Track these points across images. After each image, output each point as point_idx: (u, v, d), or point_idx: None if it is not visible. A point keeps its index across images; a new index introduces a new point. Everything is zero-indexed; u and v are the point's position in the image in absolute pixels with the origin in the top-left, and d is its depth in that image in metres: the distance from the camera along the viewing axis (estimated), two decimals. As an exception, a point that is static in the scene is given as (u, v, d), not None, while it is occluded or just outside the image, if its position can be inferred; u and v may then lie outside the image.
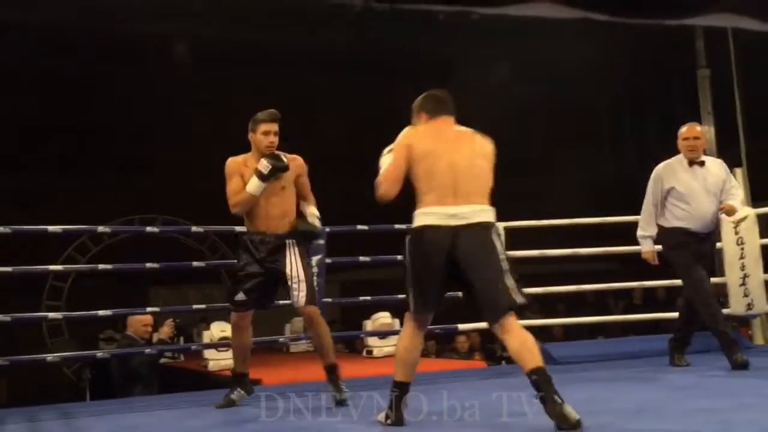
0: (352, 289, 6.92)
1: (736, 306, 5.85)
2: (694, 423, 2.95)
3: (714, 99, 7.11)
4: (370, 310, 7.01)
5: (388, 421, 3.17)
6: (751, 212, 5.92)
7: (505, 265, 3.05)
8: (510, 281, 3.03)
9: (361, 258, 5.90)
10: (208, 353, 6.52)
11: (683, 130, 4.94)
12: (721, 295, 6.19)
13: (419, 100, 3.37)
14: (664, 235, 4.92)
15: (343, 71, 10.92)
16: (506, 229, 5.68)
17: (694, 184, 4.83)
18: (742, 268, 5.78)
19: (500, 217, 5.79)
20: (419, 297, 3.15)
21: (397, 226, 5.89)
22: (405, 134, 3.26)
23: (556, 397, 2.85)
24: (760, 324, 6.18)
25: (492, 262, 3.04)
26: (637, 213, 6.09)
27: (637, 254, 6.19)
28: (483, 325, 5.91)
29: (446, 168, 3.13)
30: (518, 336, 3.01)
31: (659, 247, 5.05)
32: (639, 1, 1.10)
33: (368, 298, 5.98)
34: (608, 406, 3.20)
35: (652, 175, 4.98)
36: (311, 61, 10.57)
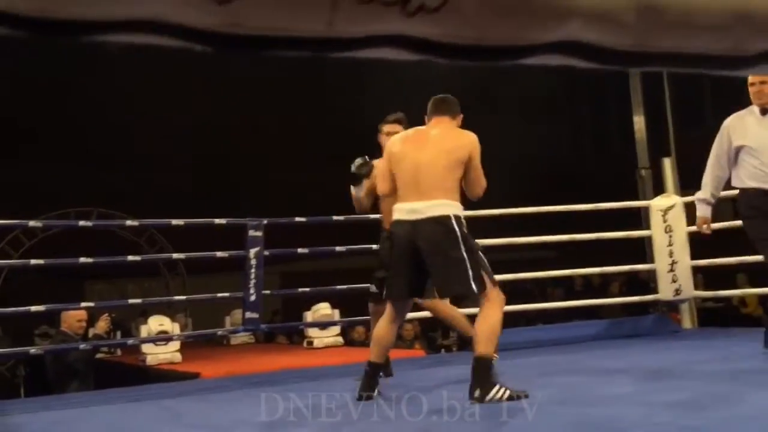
0: (292, 281, 6.91)
1: (665, 292, 6.03)
2: (617, 406, 3.05)
3: (646, 91, 7.30)
4: (310, 301, 7.03)
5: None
6: (678, 200, 6.11)
7: (466, 255, 3.27)
8: (471, 270, 3.26)
9: (300, 249, 5.92)
10: (146, 347, 6.46)
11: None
12: (651, 281, 6.39)
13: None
14: (739, 198, 4.30)
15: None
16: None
17: (767, 135, 4.14)
18: (671, 255, 5.96)
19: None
20: (390, 283, 3.51)
21: (335, 217, 5.92)
22: (390, 141, 3.64)
23: (481, 385, 3.16)
24: (688, 309, 6.38)
25: (449, 252, 3.27)
26: (574, 202, 6.27)
27: (575, 243, 6.36)
28: (423, 314, 5.99)
29: (410, 167, 3.42)
30: (478, 322, 3.32)
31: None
32: (473, 48, 1.15)
33: (308, 289, 6.00)
34: (538, 391, 3.28)
35: (721, 129, 4.30)
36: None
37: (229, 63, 10.53)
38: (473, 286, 3.25)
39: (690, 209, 6.15)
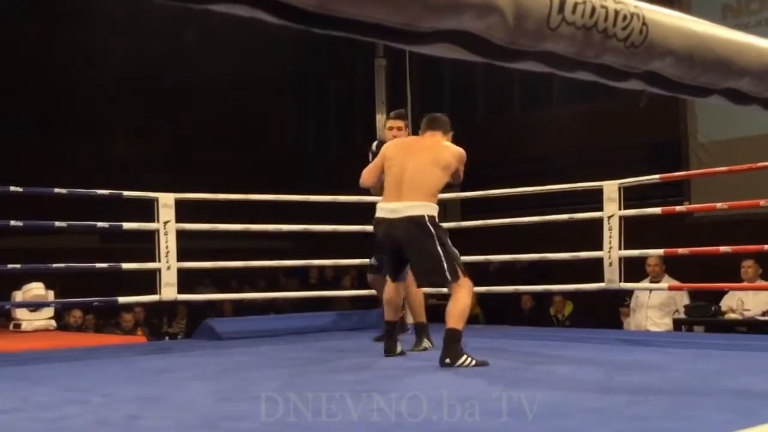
0: (3, 257, 6.21)
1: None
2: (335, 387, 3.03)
3: (393, 87, 7.47)
4: (22, 280, 6.40)
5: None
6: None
7: (440, 250, 3.87)
8: (446, 263, 3.86)
9: (13, 222, 5.33)
10: None
11: None
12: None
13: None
14: None
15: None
16: (177, 201, 5.45)
17: None
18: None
19: (173, 189, 5.57)
20: (386, 267, 4.29)
21: (57, 190, 5.41)
22: (386, 145, 4.31)
23: (451, 353, 3.73)
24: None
25: (423, 247, 3.90)
26: (312, 193, 6.24)
27: (311, 234, 6.34)
28: (147, 298, 5.65)
29: (397, 171, 4.05)
30: (451, 303, 3.88)
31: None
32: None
33: (18, 266, 5.42)
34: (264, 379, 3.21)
35: None
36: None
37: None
38: (448, 275, 3.86)
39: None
